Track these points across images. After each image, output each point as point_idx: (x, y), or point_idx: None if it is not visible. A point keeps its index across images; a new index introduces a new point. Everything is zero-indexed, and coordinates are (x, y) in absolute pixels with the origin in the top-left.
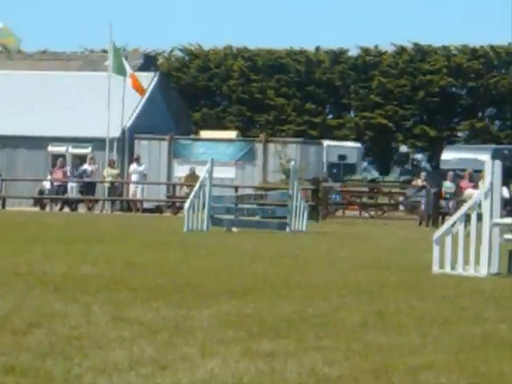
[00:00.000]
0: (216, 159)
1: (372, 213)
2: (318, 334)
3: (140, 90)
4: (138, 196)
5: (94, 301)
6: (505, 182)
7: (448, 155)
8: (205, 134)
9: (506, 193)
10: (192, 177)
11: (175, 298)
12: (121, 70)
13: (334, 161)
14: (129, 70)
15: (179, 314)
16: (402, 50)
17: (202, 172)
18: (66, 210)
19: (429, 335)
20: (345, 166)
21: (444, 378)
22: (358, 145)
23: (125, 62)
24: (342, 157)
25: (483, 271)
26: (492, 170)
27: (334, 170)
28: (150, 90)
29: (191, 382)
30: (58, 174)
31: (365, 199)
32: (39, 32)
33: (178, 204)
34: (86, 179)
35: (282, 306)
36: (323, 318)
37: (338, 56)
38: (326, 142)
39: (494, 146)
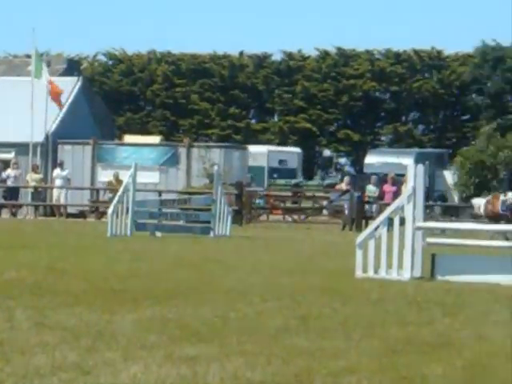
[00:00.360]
0: (139, 164)
1: (295, 217)
2: (241, 339)
3: (58, 102)
4: (62, 201)
5: (16, 306)
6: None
7: (371, 159)
8: (128, 138)
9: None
10: (116, 181)
11: (98, 303)
12: (37, 74)
13: (275, 166)
14: (47, 77)
15: (102, 319)
16: (325, 55)
17: (125, 177)
18: None
19: (352, 339)
20: (285, 171)
21: (366, 382)
22: (298, 150)
23: (44, 69)
24: (282, 161)
25: (406, 275)
26: (415, 173)
27: (275, 175)
28: (73, 94)
29: None
30: None
31: (288, 203)
32: None
33: (101, 209)
34: (10, 184)
35: (205, 311)
36: (246, 323)
37: (261, 60)
38: (266, 148)
39: (417, 149)
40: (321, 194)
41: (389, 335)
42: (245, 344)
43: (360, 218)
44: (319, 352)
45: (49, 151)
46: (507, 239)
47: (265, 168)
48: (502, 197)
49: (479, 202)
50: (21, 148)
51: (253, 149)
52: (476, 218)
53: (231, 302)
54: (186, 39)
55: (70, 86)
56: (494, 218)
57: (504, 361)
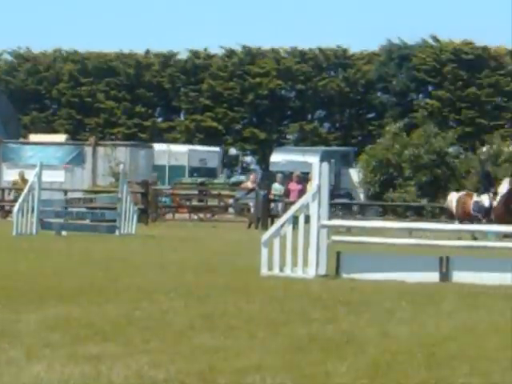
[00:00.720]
0: (45, 163)
1: (201, 215)
2: (145, 337)
3: None
4: None
5: None
6: (486, 190)
7: (277, 157)
8: (34, 137)
9: (486, 202)
10: (21, 180)
11: (2, 302)
12: None
13: (195, 165)
14: None
15: (6, 318)
16: (231, 53)
17: (31, 176)
18: None
19: (256, 337)
20: (205, 170)
21: (270, 380)
22: (218, 149)
23: None
24: (202, 160)
25: (311, 273)
26: (320, 172)
27: (195, 174)
28: None
29: None
30: None
31: (194, 202)
32: None
33: (7, 208)
34: None
35: (110, 310)
36: (151, 321)
37: (167, 59)
38: (186, 147)
39: (322, 148)
40: (227, 193)
41: (293, 333)
42: (149, 342)
43: (266, 216)
44: (223, 350)
45: None
46: (475, 239)
47: (186, 167)
48: (475, 197)
49: (452, 197)
50: None
51: (174, 148)
52: (447, 213)
53: (136, 301)
54: (91, 38)
55: None
56: (464, 218)
57: (408, 358)
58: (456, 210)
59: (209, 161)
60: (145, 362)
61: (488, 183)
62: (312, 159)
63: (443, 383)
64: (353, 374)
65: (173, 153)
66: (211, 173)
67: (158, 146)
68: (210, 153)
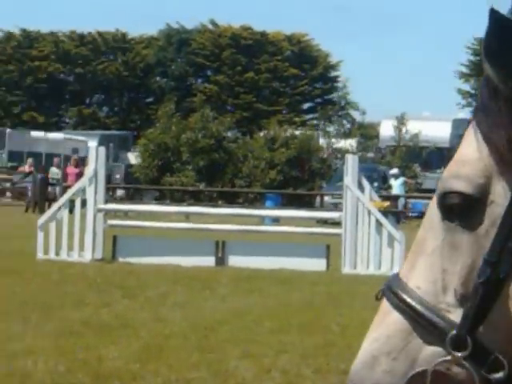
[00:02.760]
0: None
1: None
2: None
3: None
4: None
5: None
6: None
7: None
8: None
9: None
10: None
11: None
12: None
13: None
14: None
15: None
16: (9, 36)
17: None
18: None
19: (29, 321)
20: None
21: (42, 364)
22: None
23: None
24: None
25: (87, 257)
26: (96, 156)
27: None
28: None
29: None
30: None
31: None
32: None
33: None
34: None
35: None
36: None
37: None
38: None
39: (100, 132)
40: (4, 176)
41: (67, 317)
42: None
43: (43, 200)
44: None
45: None
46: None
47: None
48: None
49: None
50: None
51: (50, 136)
52: None
53: None
54: None
55: None
56: None
57: (181, 342)
58: None
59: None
60: None
61: None
62: (90, 143)
63: (215, 366)
64: (125, 358)
65: (49, 140)
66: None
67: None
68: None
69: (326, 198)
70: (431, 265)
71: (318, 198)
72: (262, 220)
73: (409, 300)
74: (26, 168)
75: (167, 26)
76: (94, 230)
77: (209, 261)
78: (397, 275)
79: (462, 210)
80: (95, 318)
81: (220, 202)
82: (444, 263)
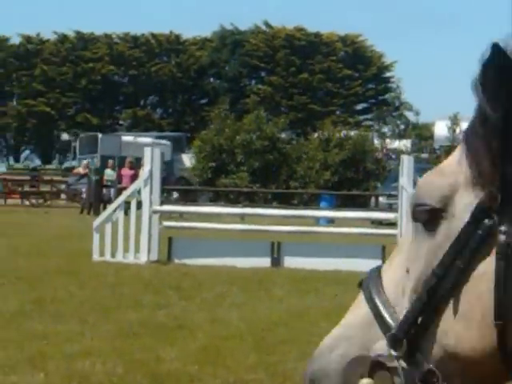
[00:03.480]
0: None
1: (34, 201)
2: None
3: None
4: None
5: None
6: None
7: None
8: None
9: None
10: None
11: None
12: None
13: None
14: None
15: None
16: (64, 38)
17: None
18: None
19: (87, 323)
20: None
21: (100, 366)
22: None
23: None
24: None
25: (143, 258)
26: (152, 157)
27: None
28: None
29: None
30: None
31: (27, 188)
32: None
33: None
34: None
35: None
36: None
37: None
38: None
39: (155, 133)
40: (59, 178)
41: (124, 318)
42: None
43: (98, 201)
44: (54, 336)
45: None
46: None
47: None
48: None
49: None
50: None
51: (139, 140)
52: None
53: None
54: None
55: None
56: None
57: (238, 343)
58: None
59: None
60: None
61: None
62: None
63: (273, 368)
64: (182, 360)
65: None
66: None
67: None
68: None
69: (381, 199)
70: (401, 265)
71: (372, 199)
72: (316, 221)
73: (376, 299)
74: (81, 170)
75: (221, 28)
76: (150, 231)
77: (264, 262)
78: (378, 269)
79: (426, 217)
80: (152, 320)
81: (274, 204)
82: (408, 264)
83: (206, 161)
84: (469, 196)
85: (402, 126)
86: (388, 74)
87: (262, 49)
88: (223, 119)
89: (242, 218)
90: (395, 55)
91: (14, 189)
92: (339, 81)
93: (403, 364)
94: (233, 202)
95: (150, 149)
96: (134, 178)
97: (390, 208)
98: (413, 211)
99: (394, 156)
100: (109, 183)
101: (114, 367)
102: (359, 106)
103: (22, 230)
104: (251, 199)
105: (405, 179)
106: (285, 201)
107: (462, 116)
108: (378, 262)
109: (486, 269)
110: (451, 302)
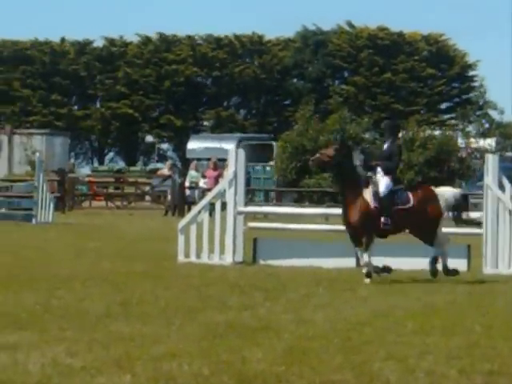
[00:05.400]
0: None
1: (118, 203)
2: (62, 326)
3: None
4: None
5: None
6: None
7: (193, 144)
8: None
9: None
10: None
11: None
12: None
13: None
14: None
15: None
16: (146, 40)
17: None
18: None
19: (173, 324)
20: None
21: (187, 367)
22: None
23: None
24: None
25: (228, 259)
26: (236, 158)
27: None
28: None
29: None
30: None
31: (111, 190)
32: None
33: None
34: None
35: (26, 298)
36: (67, 310)
37: (83, 47)
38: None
39: (239, 134)
40: (143, 180)
41: (210, 320)
42: (66, 331)
43: (182, 203)
44: (140, 338)
45: None
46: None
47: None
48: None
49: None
50: None
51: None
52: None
53: (53, 289)
54: (6, 26)
55: None
56: None
57: (324, 344)
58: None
59: None
60: (61, 350)
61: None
62: (228, 146)
63: (359, 368)
64: (269, 361)
65: None
66: None
67: None
68: None
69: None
70: None
71: None
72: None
73: None
74: (165, 171)
75: (304, 28)
76: (235, 232)
77: (349, 262)
78: None
79: None
80: (238, 321)
81: None
82: None
83: (290, 161)
84: None
85: (487, 125)
86: (471, 73)
87: (344, 49)
88: (307, 120)
89: (327, 218)
90: (479, 54)
91: (99, 191)
92: (422, 80)
93: None
94: (317, 202)
95: (235, 150)
96: (217, 179)
97: (476, 207)
98: None
99: (478, 155)
100: (193, 185)
101: (200, 368)
102: (443, 106)
103: (107, 233)
104: (335, 199)
105: (490, 178)
106: None
107: None
108: (464, 262)
109: None
110: None
